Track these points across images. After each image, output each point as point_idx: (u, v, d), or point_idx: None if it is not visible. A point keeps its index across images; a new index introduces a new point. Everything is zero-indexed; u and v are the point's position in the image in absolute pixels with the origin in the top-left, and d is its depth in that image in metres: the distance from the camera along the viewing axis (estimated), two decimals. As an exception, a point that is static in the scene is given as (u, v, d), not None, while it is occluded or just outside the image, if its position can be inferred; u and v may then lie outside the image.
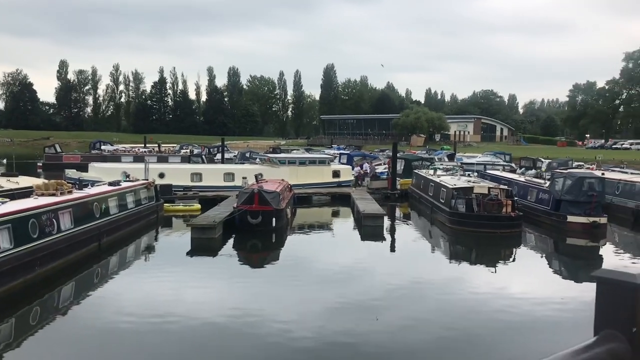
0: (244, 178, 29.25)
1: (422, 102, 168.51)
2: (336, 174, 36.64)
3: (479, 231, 22.48)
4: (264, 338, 11.05)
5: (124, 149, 66.80)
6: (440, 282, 16.05)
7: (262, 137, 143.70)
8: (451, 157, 52.83)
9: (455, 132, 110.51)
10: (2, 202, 14.91)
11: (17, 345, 10.76)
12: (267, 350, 10.47)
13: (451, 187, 25.01)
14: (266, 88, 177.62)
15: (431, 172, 32.51)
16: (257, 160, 41.30)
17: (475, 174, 33.88)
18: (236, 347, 10.73)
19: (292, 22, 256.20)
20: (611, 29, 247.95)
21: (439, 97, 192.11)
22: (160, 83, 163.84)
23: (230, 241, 21.14)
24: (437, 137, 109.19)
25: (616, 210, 27.83)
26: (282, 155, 44.15)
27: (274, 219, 22.27)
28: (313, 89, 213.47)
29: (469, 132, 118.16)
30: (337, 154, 53.09)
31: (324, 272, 16.71)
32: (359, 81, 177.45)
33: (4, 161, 25.20)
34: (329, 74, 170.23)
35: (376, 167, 44.84)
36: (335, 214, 30.80)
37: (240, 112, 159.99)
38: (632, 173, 34.35)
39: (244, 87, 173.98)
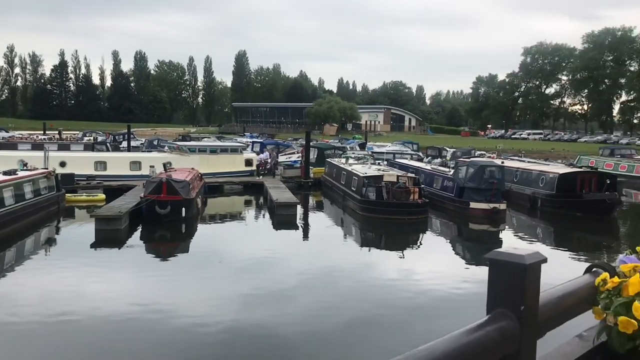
0: (152, 167, 28.32)
1: (335, 91, 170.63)
2: (249, 162, 36.31)
3: (388, 218, 23.13)
4: (173, 333, 10.77)
5: (20, 135, 62.61)
6: (351, 269, 16.37)
7: (171, 125, 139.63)
8: (362, 146, 53.93)
9: (366, 121, 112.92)
10: None
11: None
12: (178, 346, 10.21)
13: (362, 175, 25.53)
14: (175, 74, 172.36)
15: (343, 160, 33.02)
16: (166, 148, 40.12)
17: (385, 162, 34.83)
18: (144, 344, 10.37)
19: (203, 7, 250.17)
20: (512, 24, 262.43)
21: (351, 87, 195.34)
22: (61, 66, 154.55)
23: (137, 232, 20.43)
24: (349, 127, 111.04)
25: (515, 197, 29.59)
26: (192, 143, 43.13)
27: (183, 209, 21.75)
28: (225, 76, 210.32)
29: (379, 122, 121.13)
30: (250, 142, 52.66)
31: (236, 262, 16.56)
32: (272, 69, 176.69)
33: None
34: (240, 60, 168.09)
35: (290, 156, 44.94)
36: (248, 203, 30.59)
37: (147, 98, 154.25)
38: (529, 161, 36.65)
39: (152, 72, 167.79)
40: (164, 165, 26.13)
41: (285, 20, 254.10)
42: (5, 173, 20.71)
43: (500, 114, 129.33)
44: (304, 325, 11.38)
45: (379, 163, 33.27)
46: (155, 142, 50.42)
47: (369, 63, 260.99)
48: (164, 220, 21.30)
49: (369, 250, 19.68)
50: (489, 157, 41.02)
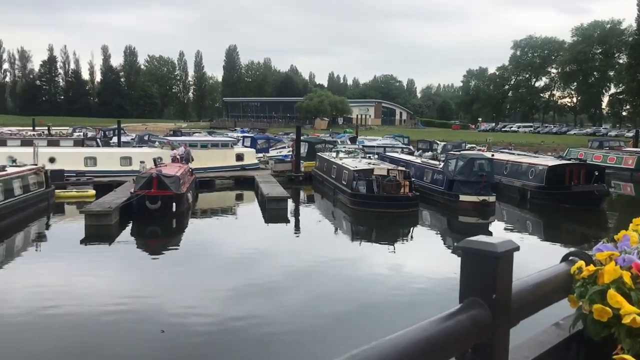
0: (142, 162, 28.18)
1: (326, 85, 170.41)
2: (240, 157, 36.26)
3: (378, 211, 23.19)
4: (163, 327, 10.77)
5: (9, 132, 62.01)
6: (342, 262, 16.43)
7: (161, 120, 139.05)
8: (353, 140, 53.93)
9: (357, 115, 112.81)
10: None
11: None
12: (167, 341, 10.22)
13: (352, 169, 25.56)
14: (165, 69, 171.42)
15: (334, 154, 33.03)
16: (157, 143, 39.93)
17: (376, 156, 34.88)
18: (132, 338, 10.37)
19: (193, 1, 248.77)
20: (502, 18, 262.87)
21: (342, 81, 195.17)
22: (50, 62, 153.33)
23: (128, 228, 20.38)
24: (340, 121, 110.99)
25: (504, 189, 29.75)
26: (183, 138, 42.99)
27: (174, 204, 21.70)
28: (215, 71, 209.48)
29: (370, 116, 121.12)
30: (241, 136, 52.52)
31: (228, 257, 16.56)
32: (263, 63, 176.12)
33: None
34: (231, 55, 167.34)
35: (280, 150, 44.89)
36: (239, 198, 30.55)
37: (137, 93, 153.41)
38: (518, 154, 36.82)
39: (142, 67, 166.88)
40: (155, 160, 25.99)
41: (275, 14, 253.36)
42: (-7, 169, 20.59)
43: (491, 107, 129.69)
44: (293, 318, 11.42)
45: (369, 157, 33.30)
46: (145, 138, 50.13)
47: (360, 57, 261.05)
48: (154, 215, 21.24)
49: (360, 244, 19.73)
50: (480, 150, 41.17)
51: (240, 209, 27.42)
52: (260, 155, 41.37)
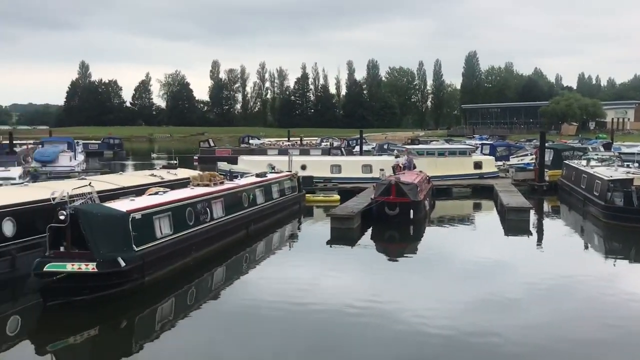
0: (382, 170, 29.37)
1: (575, 87, 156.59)
2: (478, 165, 35.43)
3: (638, 227, 20.51)
4: (395, 330, 11.08)
5: (269, 142, 70.21)
6: (591, 282, 14.93)
7: (400, 129, 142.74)
8: (607, 147, 48.57)
9: (612, 119, 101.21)
10: (163, 192, 16.44)
11: (176, 322, 11.90)
12: (398, 343, 10.49)
13: (607, 179, 23.06)
14: (405, 79, 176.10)
15: (584, 162, 30.18)
16: (395, 151, 41.20)
17: (636, 164, 30.89)
18: (367, 337, 10.82)
19: (430, 12, 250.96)
20: None
21: (594, 81, 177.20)
22: (303, 79, 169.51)
23: (368, 232, 21.40)
24: (591, 125, 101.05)
25: None
26: (421, 146, 43.60)
27: (411, 211, 22.15)
28: (454, 78, 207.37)
29: (629, 119, 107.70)
30: (479, 144, 51.27)
31: (464, 266, 16.32)
32: (504, 68, 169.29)
33: (176, 162, 28.17)
34: (470, 61, 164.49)
35: (522, 158, 42.62)
36: (477, 207, 29.86)
37: (378, 104, 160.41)
38: None
39: (383, 79, 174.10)
40: (393, 167, 26.87)
41: (514, 16, 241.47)
42: (257, 175, 23.53)
43: None
44: (533, 339, 10.65)
45: (627, 165, 29.62)
46: (385, 146, 52.10)
47: (616, 54, 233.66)
48: (392, 221, 21.96)
49: (614, 263, 17.66)
50: None
51: (478, 219, 26.75)
52: (500, 163, 39.85)
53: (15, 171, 29.32)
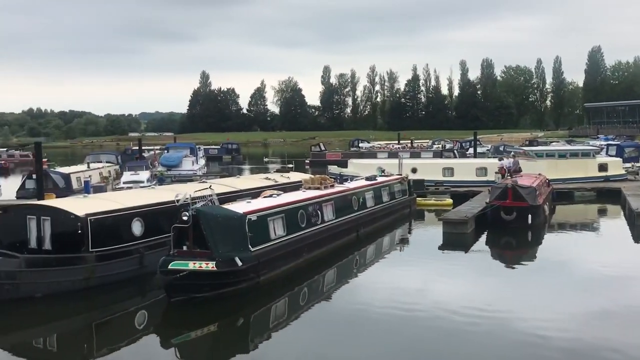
0: (497, 173, 28.34)
1: None
2: (603, 167, 33.02)
3: None
4: (509, 342, 10.63)
5: (379, 145, 70.17)
6: None
7: (517, 130, 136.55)
8: None
9: None
10: (277, 195, 16.97)
11: (289, 322, 12.24)
12: (511, 356, 10.04)
13: None
14: (522, 78, 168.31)
15: None
16: (512, 154, 39.51)
17: None
18: (479, 347, 10.46)
19: (548, 7, 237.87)
20: None
21: None
22: (414, 80, 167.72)
23: (483, 237, 20.71)
24: None
25: None
26: (539, 148, 41.48)
27: (529, 216, 21.13)
28: (575, 76, 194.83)
29: None
30: (604, 145, 47.77)
31: (586, 276, 15.27)
32: (632, 63, 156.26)
33: (292, 166, 29.19)
34: (594, 57, 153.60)
35: None
36: (602, 212, 27.85)
37: (493, 104, 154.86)
38: None
39: (498, 78, 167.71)
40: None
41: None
42: (367, 179, 23.61)
43: None
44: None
45: None
46: (501, 148, 50.09)
47: None
48: (509, 226, 21.09)
49: None
50: None
51: (603, 225, 24.91)
52: (629, 165, 36.85)
53: (144, 175, 31.79)
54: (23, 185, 29.48)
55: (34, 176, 26.02)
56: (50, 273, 13.39)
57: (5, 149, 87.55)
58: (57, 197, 20.82)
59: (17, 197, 27.82)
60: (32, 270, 13.26)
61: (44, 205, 15.36)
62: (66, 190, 27.35)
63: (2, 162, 64.82)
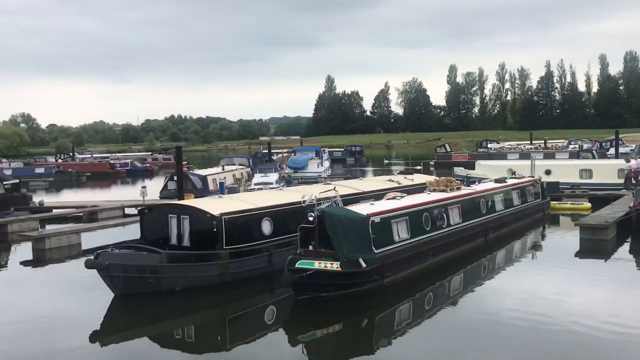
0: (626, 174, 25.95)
1: None
2: None
3: None
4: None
5: (509, 146, 67.26)
6: None
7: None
8: None
9: None
10: (401, 197, 16.85)
11: (413, 326, 12.10)
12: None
13: None
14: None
15: None
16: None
17: None
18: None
19: None
20: None
21: None
22: (547, 77, 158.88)
23: (626, 245, 19.09)
24: None
25: None
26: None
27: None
28: None
29: None
30: None
31: None
32: None
33: (420, 167, 28.97)
34: None
35: None
36: None
37: (638, 100, 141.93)
38: None
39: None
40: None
41: None
42: (496, 181, 22.68)
43: None
44: None
45: None
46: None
47: None
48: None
49: None
50: None
51: None
52: None
53: (273, 177, 33.11)
54: (166, 186, 32.06)
55: (175, 178, 28.11)
56: (189, 268, 14.36)
57: (150, 153, 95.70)
58: (195, 198, 22.34)
59: (160, 197, 30.29)
60: (173, 266, 14.28)
61: (184, 205, 16.50)
62: (203, 191, 29.31)
63: (148, 165, 70.88)
